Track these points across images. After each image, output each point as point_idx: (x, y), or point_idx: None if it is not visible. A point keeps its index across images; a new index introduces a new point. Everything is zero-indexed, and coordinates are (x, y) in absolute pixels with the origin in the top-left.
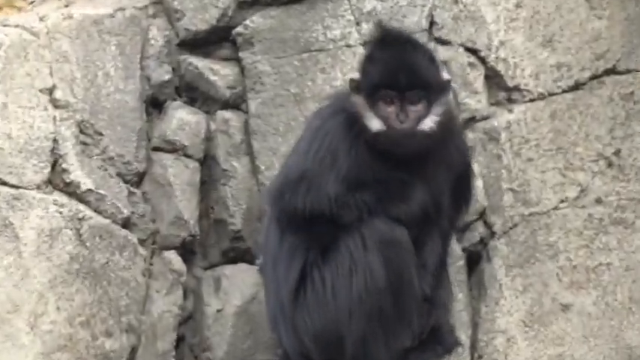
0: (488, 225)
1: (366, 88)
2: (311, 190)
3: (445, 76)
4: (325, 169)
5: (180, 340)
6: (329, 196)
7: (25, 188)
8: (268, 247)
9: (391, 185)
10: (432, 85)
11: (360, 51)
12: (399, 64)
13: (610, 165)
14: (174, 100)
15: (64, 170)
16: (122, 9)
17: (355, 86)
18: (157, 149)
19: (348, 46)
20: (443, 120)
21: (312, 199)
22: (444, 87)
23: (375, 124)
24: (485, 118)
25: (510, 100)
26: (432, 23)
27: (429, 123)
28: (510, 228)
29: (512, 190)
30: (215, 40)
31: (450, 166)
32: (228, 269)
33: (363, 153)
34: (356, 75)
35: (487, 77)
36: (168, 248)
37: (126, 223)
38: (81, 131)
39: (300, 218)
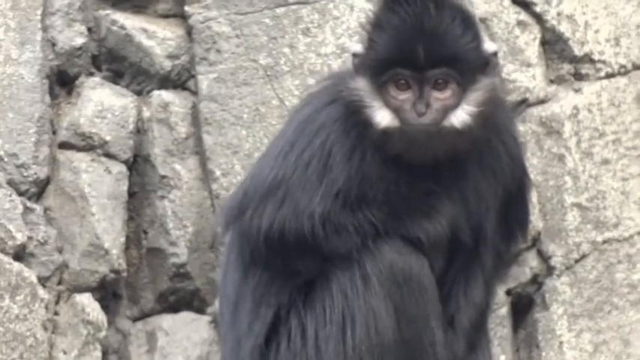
0: (543, 256)
1: (371, 66)
2: (285, 205)
3: (488, 47)
4: (311, 179)
5: None
6: (312, 215)
7: None
8: (226, 287)
9: (408, 195)
10: (467, 61)
11: (363, 5)
12: (416, 31)
13: None
14: (91, 74)
15: None
16: None
17: (358, 63)
18: (65, 146)
19: None
20: (483, 111)
21: (286, 217)
22: (485, 63)
23: (383, 117)
24: (542, 101)
25: (578, 76)
26: None
27: (461, 116)
28: (576, 261)
29: (579, 206)
30: None
31: (497, 175)
32: (168, 320)
33: (370, 159)
34: (358, 47)
35: (545, 43)
36: (81, 290)
37: (19, 254)
38: None
39: (267, 245)
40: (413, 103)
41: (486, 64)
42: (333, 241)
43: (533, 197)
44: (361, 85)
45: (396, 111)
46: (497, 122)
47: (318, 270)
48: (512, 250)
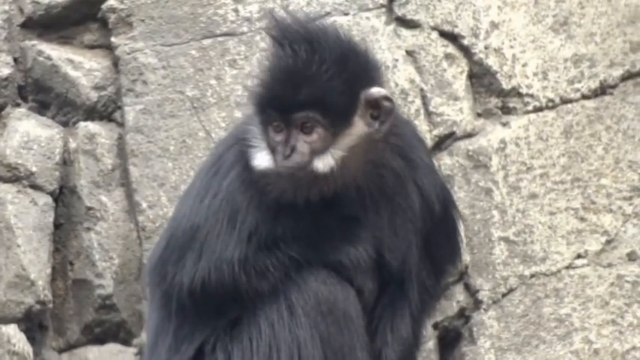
0: (471, 290)
1: (255, 105)
2: (203, 257)
3: (374, 91)
4: (223, 224)
5: None
6: (231, 262)
7: None
8: (151, 319)
9: (323, 224)
10: (334, 105)
11: None
12: (286, 74)
13: None
14: (17, 105)
15: None
16: None
17: (250, 102)
18: None
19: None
20: (357, 155)
21: (206, 269)
22: (356, 107)
23: (262, 158)
24: (470, 135)
25: (506, 110)
26: None
27: (326, 160)
28: (504, 295)
29: (506, 240)
30: (77, 18)
31: (410, 213)
32: (94, 352)
33: (271, 206)
34: (254, 85)
35: (473, 76)
36: (6, 321)
37: None
38: None
39: (192, 299)
40: (282, 145)
41: (356, 108)
42: (257, 282)
43: (460, 230)
44: (252, 126)
45: (273, 152)
46: (404, 160)
47: (246, 307)
48: (441, 284)
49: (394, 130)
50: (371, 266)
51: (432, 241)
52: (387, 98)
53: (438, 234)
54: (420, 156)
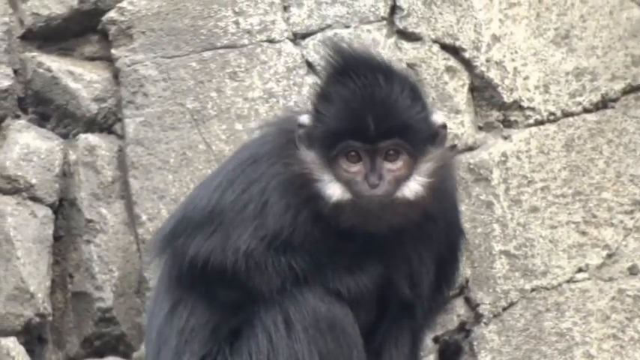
0: (471, 304)
1: (320, 138)
2: (214, 236)
3: (437, 118)
4: (245, 220)
5: None
6: (237, 250)
7: None
8: (152, 328)
9: (335, 250)
10: (418, 132)
11: (291, 49)
12: (366, 103)
13: None
14: (17, 117)
15: None
16: None
17: (305, 135)
18: None
19: (271, 41)
20: (434, 181)
21: (213, 248)
22: (435, 133)
23: (334, 191)
24: (471, 148)
25: (507, 123)
26: (393, 8)
27: (413, 187)
28: (504, 309)
29: (507, 253)
30: (77, 30)
31: (434, 239)
32: None
33: (307, 219)
34: (305, 118)
35: (474, 89)
36: (5, 334)
37: None
38: None
39: (190, 272)
40: (365, 175)
41: (436, 135)
42: (254, 277)
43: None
44: (310, 158)
45: (348, 184)
46: (444, 193)
47: (245, 312)
48: (441, 303)
49: None
50: (372, 297)
51: (440, 265)
52: (445, 126)
53: (446, 258)
54: (452, 184)
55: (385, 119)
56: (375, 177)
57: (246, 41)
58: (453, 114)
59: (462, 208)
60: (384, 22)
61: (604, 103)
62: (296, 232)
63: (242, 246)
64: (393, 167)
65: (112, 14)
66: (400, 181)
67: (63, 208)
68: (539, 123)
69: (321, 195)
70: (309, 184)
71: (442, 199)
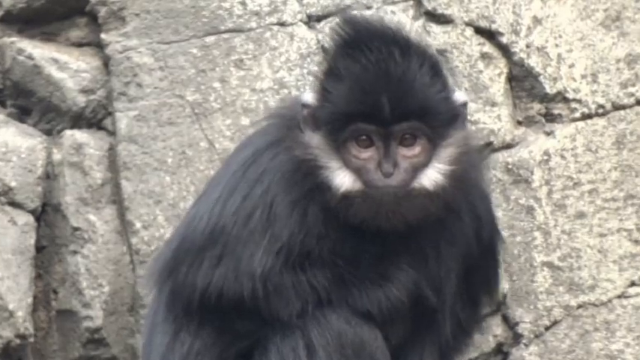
0: (509, 323)
1: (327, 120)
2: (223, 261)
3: (458, 96)
4: (253, 233)
5: None
6: (253, 275)
7: None
8: (151, 356)
9: (357, 259)
10: (438, 113)
11: (305, 33)
12: (380, 81)
13: None
14: None
15: None
16: None
17: (310, 116)
18: None
19: (283, 24)
20: (456, 169)
21: (225, 277)
22: (456, 114)
23: (343, 179)
24: (509, 145)
25: (550, 117)
26: None
27: (432, 175)
28: (547, 328)
29: (550, 265)
30: (62, 12)
31: (459, 237)
32: None
33: (317, 216)
34: (310, 97)
35: (512, 79)
36: None
37: None
38: None
39: (203, 307)
40: (378, 162)
41: (457, 115)
42: (274, 302)
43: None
44: (315, 142)
45: (358, 172)
46: (467, 181)
47: (257, 335)
48: (476, 317)
49: None
50: (405, 312)
51: (471, 270)
52: (466, 104)
53: (479, 261)
54: (478, 172)
55: (401, 99)
56: (389, 164)
57: (254, 24)
58: (488, 107)
59: (499, 213)
60: (411, 2)
61: None
62: (308, 237)
63: (257, 269)
64: (409, 153)
65: None
66: (418, 169)
67: (46, 214)
68: (586, 117)
69: (329, 184)
70: (314, 172)
71: (467, 189)
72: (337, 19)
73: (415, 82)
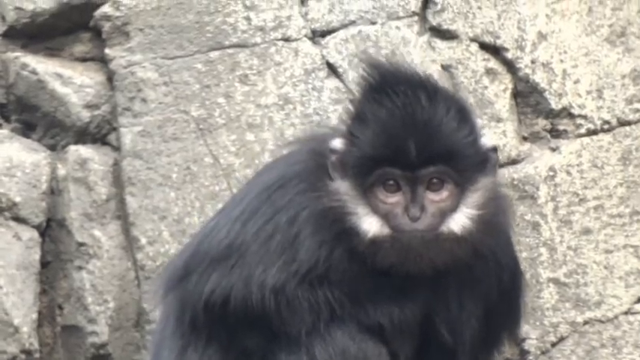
0: (516, 339)
1: (354, 165)
2: (234, 271)
3: (486, 141)
4: (271, 253)
5: None
6: (263, 285)
7: None
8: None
9: (376, 277)
10: (465, 158)
11: (309, 49)
12: (407, 125)
13: None
14: None
15: None
16: None
17: (338, 162)
18: None
19: (287, 39)
20: (484, 214)
21: (233, 284)
22: (484, 159)
23: (371, 224)
24: (514, 161)
25: (556, 133)
26: (426, 2)
27: (460, 220)
28: (553, 344)
29: (556, 281)
30: (66, 27)
31: (482, 283)
32: None
33: (342, 256)
34: (337, 142)
35: (518, 94)
36: None
37: None
38: None
39: (207, 314)
40: (405, 207)
41: (485, 160)
42: (284, 316)
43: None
44: (343, 189)
45: (386, 217)
46: (494, 227)
47: (264, 352)
48: (494, 353)
49: None
50: (414, 330)
51: (492, 311)
52: (496, 150)
53: (501, 304)
54: (505, 218)
55: (428, 143)
56: (416, 209)
57: (258, 40)
58: (493, 122)
59: None
60: (416, 18)
61: None
62: (332, 269)
63: (269, 280)
64: (436, 198)
65: (105, 9)
66: (445, 213)
67: (51, 229)
68: (591, 133)
69: (357, 230)
70: (342, 218)
71: (494, 234)
72: (363, 64)
73: (442, 126)
